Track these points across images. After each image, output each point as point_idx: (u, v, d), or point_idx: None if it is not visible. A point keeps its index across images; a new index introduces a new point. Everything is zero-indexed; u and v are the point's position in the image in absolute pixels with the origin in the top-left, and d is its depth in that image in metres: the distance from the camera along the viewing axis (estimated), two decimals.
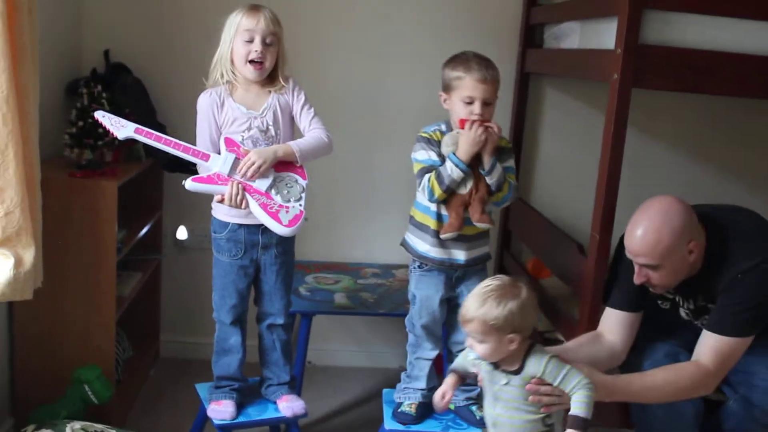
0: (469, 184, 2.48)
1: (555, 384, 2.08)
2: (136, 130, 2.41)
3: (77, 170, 2.79)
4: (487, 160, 2.46)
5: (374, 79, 3.57)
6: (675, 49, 2.40)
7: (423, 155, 2.54)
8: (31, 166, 2.32)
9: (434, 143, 2.52)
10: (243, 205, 2.41)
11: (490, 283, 2.11)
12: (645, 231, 2.25)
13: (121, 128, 2.40)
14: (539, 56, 3.38)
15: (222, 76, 2.50)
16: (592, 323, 2.53)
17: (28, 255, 2.26)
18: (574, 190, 3.67)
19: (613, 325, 2.47)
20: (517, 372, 2.11)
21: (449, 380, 2.28)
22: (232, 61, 2.49)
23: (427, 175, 2.49)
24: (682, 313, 2.53)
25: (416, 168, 2.55)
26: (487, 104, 2.45)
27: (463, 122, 2.46)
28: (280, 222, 2.42)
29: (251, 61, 2.45)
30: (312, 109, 2.58)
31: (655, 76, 2.41)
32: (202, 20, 3.33)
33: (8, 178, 2.17)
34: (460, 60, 2.49)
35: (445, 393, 2.25)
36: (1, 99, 2.10)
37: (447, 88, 2.51)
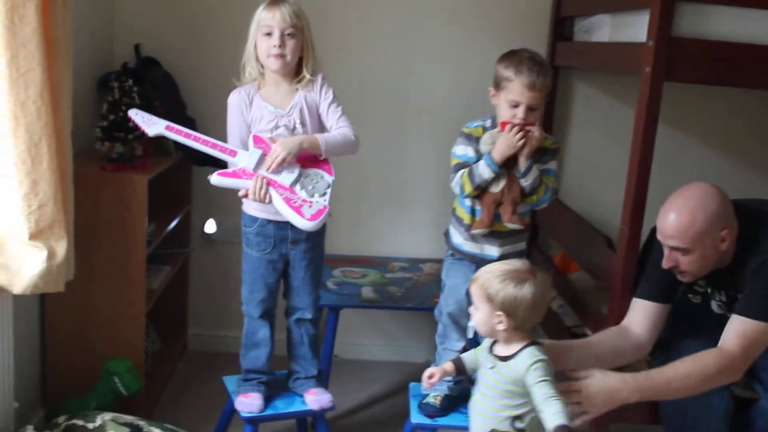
0: (502, 184, 2.49)
1: (529, 384, 2.02)
2: (167, 128, 2.43)
3: (108, 164, 2.81)
4: (522, 163, 2.45)
5: (402, 73, 3.56)
6: (708, 42, 2.37)
7: (461, 150, 2.55)
8: (64, 159, 2.33)
9: (474, 139, 2.53)
10: (267, 200, 2.42)
11: (514, 262, 2.13)
12: (679, 213, 2.24)
13: (152, 125, 2.43)
14: (569, 49, 3.35)
15: (250, 73, 2.52)
16: (621, 319, 2.51)
17: (61, 247, 2.28)
18: (602, 184, 3.65)
19: (640, 316, 2.44)
20: (505, 360, 2.10)
21: (446, 365, 2.27)
22: (257, 58, 2.50)
23: (460, 171, 2.52)
24: (714, 306, 2.51)
25: (452, 162, 2.56)
26: (533, 109, 2.44)
27: (504, 124, 2.46)
28: (302, 216, 2.42)
29: (272, 55, 2.46)
30: (339, 108, 2.57)
31: (688, 69, 2.39)
32: (230, 15, 3.35)
33: (42, 172, 2.19)
34: (513, 60, 2.46)
35: (433, 374, 2.24)
36: (35, 93, 2.12)
37: (496, 85, 2.50)
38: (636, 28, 2.55)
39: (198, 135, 2.45)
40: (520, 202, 2.51)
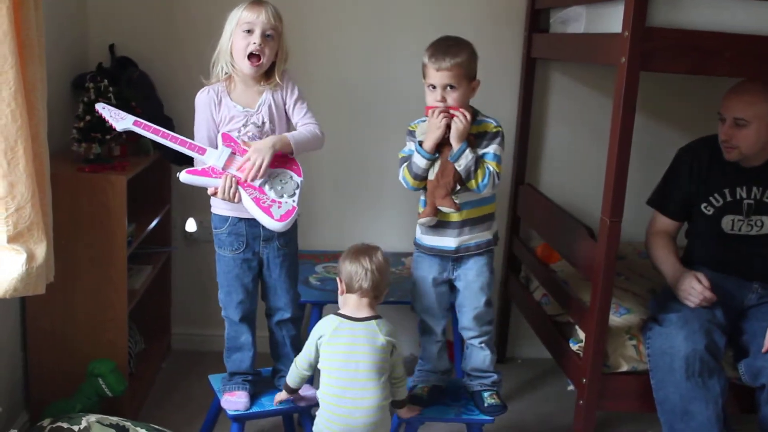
0: (436, 169, 2.50)
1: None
2: (135, 123, 2.41)
3: (86, 165, 2.79)
4: (454, 146, 2.46)
5: (378, 70, 3.56)
6: (682, 31, 2.38)
7: (406, 147, 2.61)
8: (41, 161, 2.32)
9: (414, 134, 2.58)
10: (236, 199, 2.42)
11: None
12: (748, 90, 2.72)
13: (120, 120, 2.41)
14: (545, 41, 3.36)
15: (222, 69, 2.50)
16: (603, 307, 2.54)
17: (40, 250, 2.27)
18: (581, 175, 3.67)
19: (668, 227, 2.91)
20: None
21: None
22: (231, 55, 2.48)
23: (403, 165, 2.57)
24: (725, 223, 2.82)
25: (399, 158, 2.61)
26: (452, 88, 2.45)
27: (427, 109, 2.48)
28: (272, 216, 2.41)
29: (250, 56, 2.44)
30: (305, 104, 2.58)
31: (663, 58, 2.40)
32: (206, 13, 3.33)
33: (19, 174, 2.17)
34: (429, 47, 2.51)
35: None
36: (9, 95, 2.10)
37: (422, 75, 2.54)
38: (611, 19, 2.56)
39: (166, 132, 2.43)
40: (458, 187, 2.50)
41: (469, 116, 2.45)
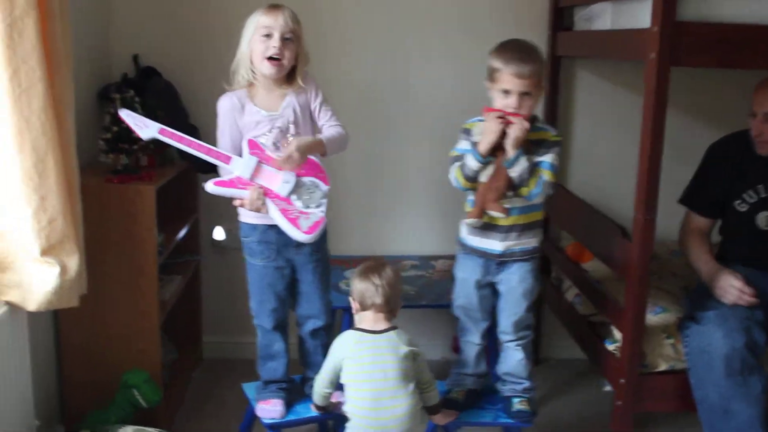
0: (488, 173, 2.47)
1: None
2: (160, 131, 2.41)
3: (114, 175, 2.79)
4: (509, 152, 2.42)
5: (403, 70, 3.54)
6: (712, 25, 2.35)
7: (459, 145, 2.57)
8: (71, 173, 2.33)
9: (470, 133, 2.54)
10: (263, 210, 2.41)
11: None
12: None
13: (144, 128, 2.40)
14: (570, 39, 3.33)
15: (243, 77, 2.50)
16: (640, 306, 2.51)
17: (73, 262, 2.28)
18: (611, 173, 3.64)
19: (701, 226, 2.88)
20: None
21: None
22: (251, 61, 2.48)
23: (455, 164, 2.53)
24: (760, 219, 2.77)
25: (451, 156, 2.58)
26: (527, 95, 2.42)
27: (485, 111, 2.46)
28: (299, 228, 2.41)
29: (270, 58, 2.43)
30: (330, 108, 2.58)
31: (693, 53, 2.37)
32: (227, 21, 3.29)
33: (49, 187, 2.18)
34: (500, 50, 2.46)
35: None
36: (38, 108, 2.11)
37: (490, 77, 2.49)
38: (639, 14, 2.53)
39: (191, 140, 2.42)
40: (510, 193, 2.47)
41: (527, 124, 2.41)
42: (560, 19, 3.45)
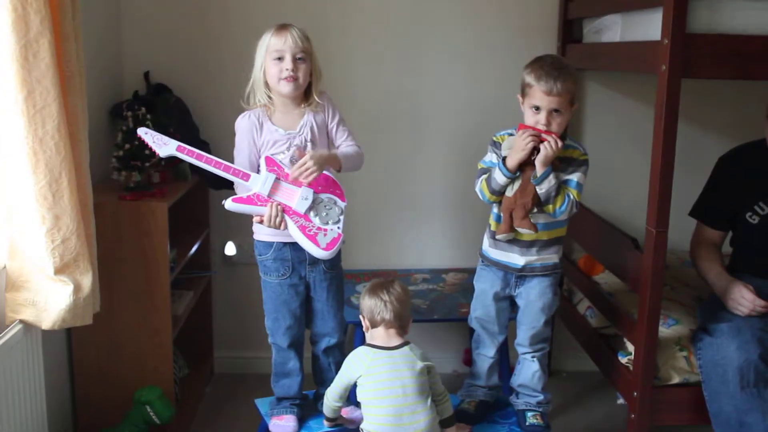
0: (515, 188, 2.48)
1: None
2: (178, 148, 2.41)
3: (126, 193, 2.80)
4: (538, 169, 2.42)
5: (413, 82, 3.55)
6: (723, 36, 2.36)
7: (487, 157, 2.58)
8: (84, 192, 2.34)
9: (499, 146, 2.55)
10: (282, 227, 2.42)
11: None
12: None
13: (163, 146, 2.41)
14: (580, 51, 3.34)
15: (259, 100, 2.51)
16: (652, 319, 2.51)
17: (86, 280, 2.29)
18: (621, 184, 3.63)
19: (712, 238, 2.86)
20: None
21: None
22: (266, 84, 2.49)
23: (482, 177, 2.53)
24: None
25: (478, 168, 2.59)
26: (557, 113, 2.42)
27: (520, 127, 2.45)
28: (317, 245, 2.41)
29: (284, 78, 2.46)
30: (346, 127, 2.60)
31: (705, 65, 2.37)
32: (235, 37, 3.37)
33: (63, 206, 2.19)
34: (534, 66, 2.46)
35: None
36: (53, 128, 2.12)
37: (522, 92, 2.50)
38: (649, 26, 2.53)
39: (210, 157, 2.43)
40: (535, 209, 2.48)
41: (560, 143, 2.42)
42: (570, 30, 3.46)
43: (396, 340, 2.37)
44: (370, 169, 3.31)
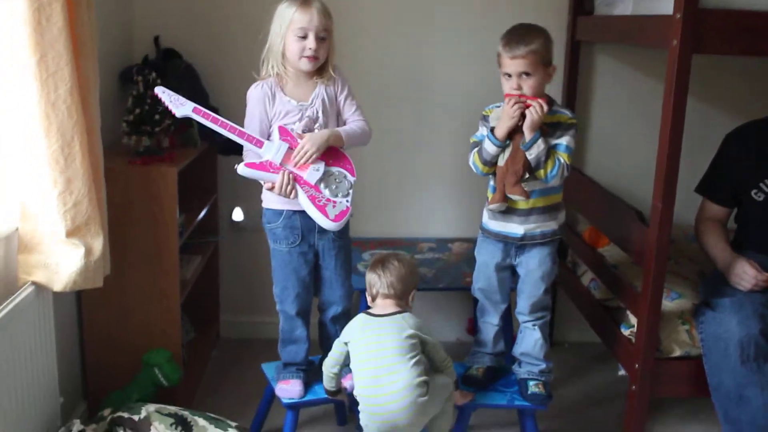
0: (506, 156, 2.51)
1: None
2: (195, 110, 2.43)
3: (137, 157, 2.81)
4: (526, 135, 2.45)
5: (421, 55, 3.55)
6: (735, 13, 2.35)
7: (478, 132, 2.62)
8: (96, 156, 2.36)
9: (488, 119, 2.58)
10: (292, 195, 2.44)
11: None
12: None
13: (180, 106, 2.43)
14: (591, 24, 3.33)
15: (273, 68, 2.52)
16: (656, 292, 2.53)
17: (97, 244, 2.31)
18: (628, 158, 3.64)
19: (717, 214, 2.89)
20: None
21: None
22: (283, 55, 2.49)
23: (474, 150, 2.58)
24: None
25: (470, 143, 2.62)
26: (528, 75, 2.45)
27: (506, 97, 2.49)
28: (327, 216, 2.44)
29: (306, 56, 2.46)
30: (355, 101, 2.62)
31: (716, 40, 2.37)
32: (247, 4, 3.34)
33: (75, 169, 2.20)
34: (503, 35, 2.51)
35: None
36: (65, 92, 2.13)
37: (498, 64, 2.53)
38: (660, 0, 2.52)
39: (225, 121, 2.45)
40: (527, 175, 2.50)
41: (546, 107, 2.44)
42: (581, 3, 3.44)
43: (391, 309, 2.42)
44: (380, 139, 3.32)
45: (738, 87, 3.61)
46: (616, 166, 3.65)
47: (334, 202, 2.46)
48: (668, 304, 2.71)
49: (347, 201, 2.48)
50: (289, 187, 2.42)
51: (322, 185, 2.46)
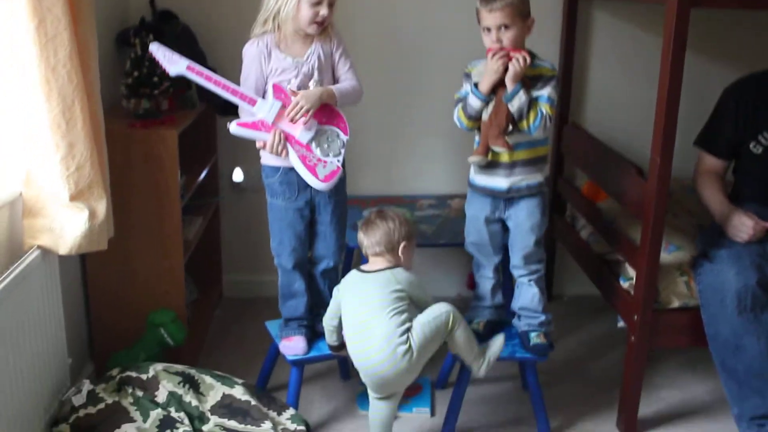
0: (489, 110, 2.54)
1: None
2: (188, 67, 2.44)
3: (136, 120, 2.82)
4: (508, 87, 2.48)
5: (422, 11, 3.53)
6: None
7: (462, 89, 2.65)
8: (96, 119, 2.37)
9: (471, 75, 2.61)
10: (283, 155, 2.47)
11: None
12: None
13: (174, 64, 2.44)
14: None
15: (278, 27, 2.51)
16: (654, 245, 2.55)
17: (101, 207, 2.33)
18: (627, 113, 3.64)
19: (715, 167, 2.89)
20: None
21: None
22: (292, 18, 2.48)
23: (458, 105, 2.60)
24: None
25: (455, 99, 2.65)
26: (506, 28, 2.46)
27: (488, 52, 2.50)
28: (316, 176, 2.47)
29: (317, 22, 2.48)
30: (349, 59, 2.63)
31: None
32: None
33: (77, 133, 2.22)
34: None
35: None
36: (64, 56, 2.14)
37: (478, 22, 2.55)
38: None
39: (219, 79, 2.47)
40: (510, 127, 2.53)
41: (528, 59, 2.46)
42: None
43: (381, 266, 2.46)
44: (378, 96, 3.34)
45: (737, 40, 3.60)
46: (615, 120, 3.66)
47: (325, 162, 2.48)
48: (666, 256, 2.74)
49: (338, 161, 2.51)
50: (280, 147, 2.46)
51: (313, 144, 2.49)
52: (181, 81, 2.81)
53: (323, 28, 2.51)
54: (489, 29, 2.48)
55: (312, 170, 2.47)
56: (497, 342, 2.57)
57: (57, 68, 2.14)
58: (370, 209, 3.44)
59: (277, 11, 2.48)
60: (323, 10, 2.45)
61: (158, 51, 2.44)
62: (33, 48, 2.09)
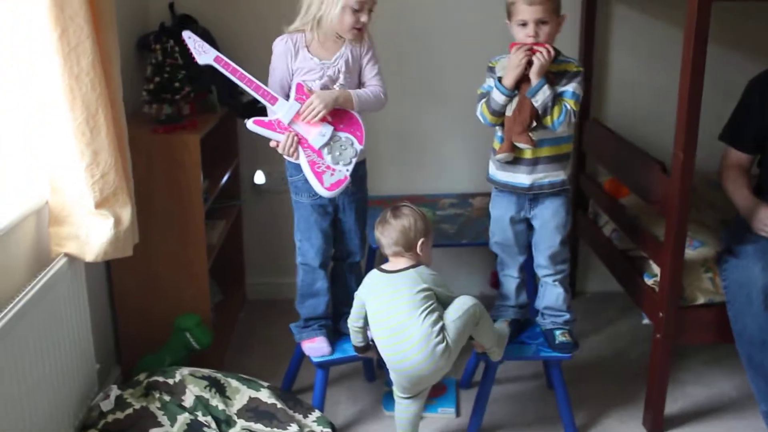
0: (513, 105, 2.52)
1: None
2: (216, 59, 2.49)
3: (158, 126, 2.83)
4: (533, 81, 2.46)
5: (440, 10, 3.53)
6: None
7: (485, 83, 2.63)
8: (120, 126, 2.39)
9: (494, 70, 2.60)
10: (294, 157, 2.49)
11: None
12: None
13: (203, 53, 2.48)
14: None
15: (314, 28, 2.52)
16: (679, 241, 2.54)
17: (126, 213, 2.35)
18: (648, 108, 3.62)
19: (740, 160, 2.85)
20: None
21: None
22: (330, 22, 2.49)
23: (481, 100, 2.59)
24: None
25: (478, 94, 2.64)
26: (543, 23, 2.45)
27: (511, 47, 2.49)
28: (322, 183, 2.48)
29: (357, 29, 2.50)
30: (377, 65, 2.63)
31: None
32: None
33: (101, 141, 2.24)
34: None
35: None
36: (87, 64, 2.15)
37: (508, 15, 2.53)
38: None
39: (244, 73, 2.49)
40: (534, 123, 2.51)
41: (552, 52, 2.45)
42: None
43: (402, 265, 2.45)
44: (398, 95, 3.33)
45: (761, 32, 3.57)
46: (637, 115, 3.63)
47: (333, 170, 2.49)
48: (691, 252, 2.73)
49: (347, 170, 2.51)
50: (291, 149, 2.48)
51: (325, 150, 2.50)
52: (202, 85, 2.82)
53: (361, 33, 2.52)
54: (525, 24, 2.46)
55: (319, 177, 2.48)
56: (502, 326, 2.65)
57: (80, 77, 2.16)
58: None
59: (321, 17, 2.49)
60: (363, 17, 2.47)
61: (189, 39, 2.48)
62: (56, 57, 2.11)
